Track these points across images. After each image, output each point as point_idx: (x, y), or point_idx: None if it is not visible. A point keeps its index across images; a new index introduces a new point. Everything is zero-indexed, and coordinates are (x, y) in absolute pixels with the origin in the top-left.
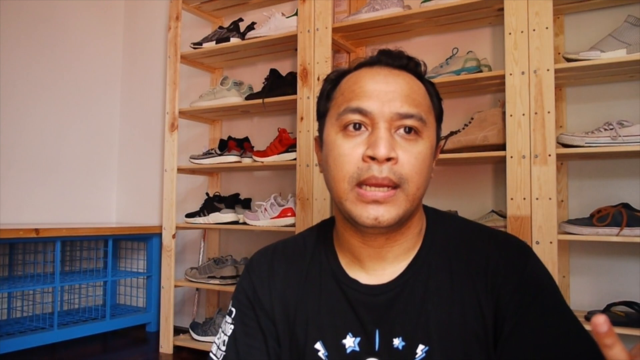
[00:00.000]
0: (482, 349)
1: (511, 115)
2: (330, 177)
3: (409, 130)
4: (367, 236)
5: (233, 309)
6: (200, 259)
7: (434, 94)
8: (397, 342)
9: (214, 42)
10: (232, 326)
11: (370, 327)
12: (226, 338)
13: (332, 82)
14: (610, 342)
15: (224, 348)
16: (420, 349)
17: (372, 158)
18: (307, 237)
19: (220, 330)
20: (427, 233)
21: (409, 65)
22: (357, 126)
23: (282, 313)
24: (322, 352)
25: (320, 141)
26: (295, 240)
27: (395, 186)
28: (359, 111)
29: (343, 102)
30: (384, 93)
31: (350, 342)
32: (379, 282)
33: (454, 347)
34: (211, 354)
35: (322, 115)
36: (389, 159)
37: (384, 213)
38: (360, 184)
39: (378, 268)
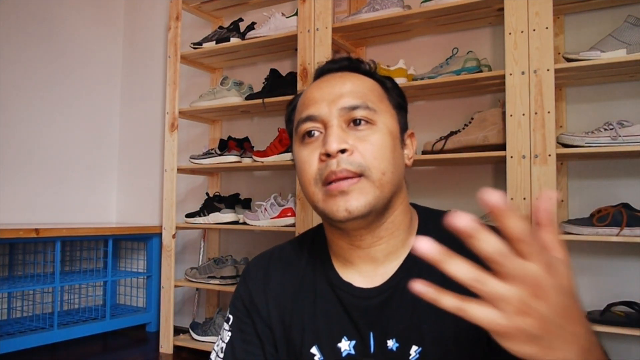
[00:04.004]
0: (475, 348)
1: (511, 115)
2: (301, 186)
3: (360, 121)
4: (352, 237)
5: (230, 316)
6: (200, 259)
7: (390, 86)
8: (391, 343)
9: (214, 42)
10: (229, 333)
11: (364, 330)
12: (224, 345)
13: (292, 106)
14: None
15: (222, 355)
16: (414, 350)
17: (328, 155)
18: (303, 242)
19: (219, 337)
20: (418, 232)
21: (352, 65)
22: (312, 133)
23: (278, 318)
24: (318, 357)
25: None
26: (291, 245)
27: (358, 175)
28: (309, 118)
29: (297, 116)
30: (327, 95)
31: (345, 346)
32: (372, 284)
33: (446, 347)
34: None
35: (290, 137)
36: (343, 152)
37: (353, 202)
38: (325, 183)
39: (370, 269)
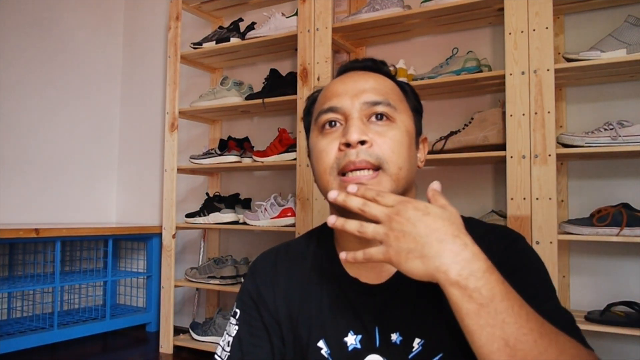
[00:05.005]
0: None
1: (511, 115)
2: (316, 176)
3: (381, 116)
4: None
5: (237, 310)
6: (200, 259)
7: (408, 89)
8: (395, 337)
9: (214, 42)
10: (236, 327)
11: (370, 325)
12: (230, 339)
13: (312, 99)
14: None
15: (228, 349)
16: (417, 343)
17: (347, 145)
18: (309, 239)
19: (225, 332)
20: None
21: (375, 66)
22: (332, 123)
23: (285, 313)
24: (324, 350)
25: (309, 152)
26: (297, 242)
27: (376, 168)
28: (331, 109)
29: (318, 108)
30: (351, 89)
31: (351, 340)
32: (378, 280)
33: (447, 338)
34: (216, 356)
35: (307, 128)
36: (362, 143)
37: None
38: (341, 172)
39: (376, 265)
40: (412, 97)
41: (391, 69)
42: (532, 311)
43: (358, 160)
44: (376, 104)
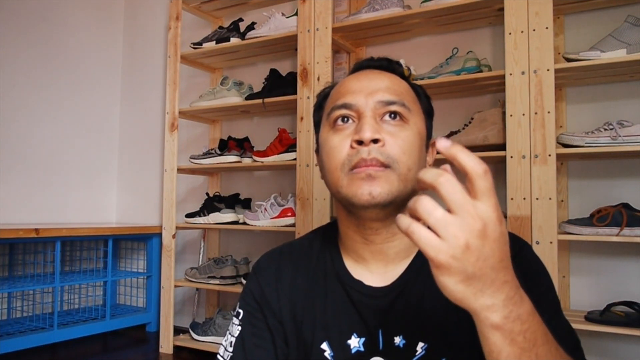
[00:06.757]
0: (477, 344)
1: (511, 115)
2: (326, 172)
3: (394, 116)
4: (368, 229)
5: (240, 311)
6: (200, 259)
7: (421, 92)
8: (398, 340)
9: (214, 42)
10: (239, 327)
11: (373, 328)
12: (233, 339)
13: (324, 94)
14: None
15: (231, 349)
16: (420, 347)
17: (360, 143)
18: (313, 239)
19: (227, 332)
20: None
21: (390, 66)
22: (345, 119)
23: (289, 314)
24: (328, 353)
25: (317, 148)
26: (301, 242)
27: (385, 166)
28: (345, 106)
29: (331, 103)
30: (365, 87)
31: (355, 343)
32: (382, 283)
33: (451, 343)
34: (218, 356)
35: (317, 124)
36: (375, 142)
37: (377, 188)
38: (352, 169)
39: (381, 266)
40: (425, 99)
41: (405, 69)
42: (564, 354)
43: (369, 158)
44: (391, 103)
